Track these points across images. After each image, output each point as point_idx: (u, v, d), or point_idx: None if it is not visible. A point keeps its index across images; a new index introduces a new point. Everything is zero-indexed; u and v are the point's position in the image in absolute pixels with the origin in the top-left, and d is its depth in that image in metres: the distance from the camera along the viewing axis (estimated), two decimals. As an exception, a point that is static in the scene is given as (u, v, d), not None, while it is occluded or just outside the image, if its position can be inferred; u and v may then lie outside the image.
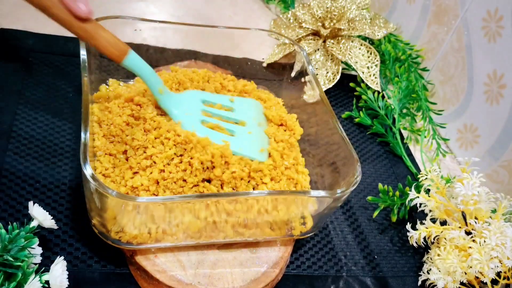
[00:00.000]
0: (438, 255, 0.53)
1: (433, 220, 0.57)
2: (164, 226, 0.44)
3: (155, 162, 0.46)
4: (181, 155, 0.47)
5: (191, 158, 0.47)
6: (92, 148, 0.47)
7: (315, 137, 0.56)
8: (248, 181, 0.49)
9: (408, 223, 0.57)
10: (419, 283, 0.57)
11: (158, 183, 0.46)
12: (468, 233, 0.54)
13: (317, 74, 0.78)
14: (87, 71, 0.47)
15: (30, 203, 0.43)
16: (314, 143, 0.56)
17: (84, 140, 0.41)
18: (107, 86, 0.55)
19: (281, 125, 0.57)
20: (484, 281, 0.51)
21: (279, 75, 0.64)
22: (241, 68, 0.64)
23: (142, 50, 0.59)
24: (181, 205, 0.42)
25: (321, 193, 0.46)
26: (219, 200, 0.43)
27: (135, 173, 0.46)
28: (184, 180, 0.46)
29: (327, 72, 0.78)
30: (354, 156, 0.48)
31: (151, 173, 0.46)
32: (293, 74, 0.62)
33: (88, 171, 0.39)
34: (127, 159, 0.47)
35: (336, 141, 0.51)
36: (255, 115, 0.57)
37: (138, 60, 0.47)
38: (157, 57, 0.61)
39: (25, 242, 0.40)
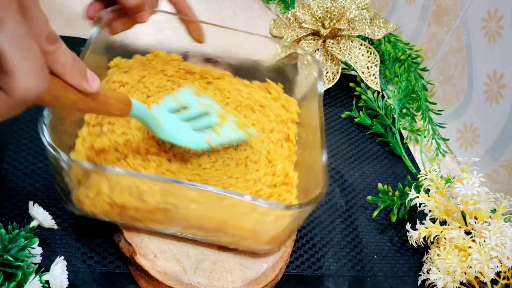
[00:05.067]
0: (438, 255, 0.53)
1: (433, 220, 0.57)
2: (116, 200, 0.43)
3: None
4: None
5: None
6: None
7: (306, 148, 0.55)
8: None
9: (408, 223, 0.57)
10: (419, 283, 0.57)
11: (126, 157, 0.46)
12: (467, 233, 0.54)
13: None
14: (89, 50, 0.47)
15: (30, 203, 0.43)
16: (305, 154, 0.55)
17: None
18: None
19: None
20: (484, 281, 0.51)
21: (281, 76, 0.63)
22: (243, 68, 0.64)
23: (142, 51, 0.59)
24: (131, 180, 0.41)
25: (272, 204, 0.42)
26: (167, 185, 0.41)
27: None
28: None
29: (327, 72, 0.78)
30: (322, 181, 0.44)
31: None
32: (303, 87, 0.60)
33: (46, 138, 0.39)
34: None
35: (317, 161, 0.47)
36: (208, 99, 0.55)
37: (139, 104, 0.43)
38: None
39: (25, 242, 0.40)
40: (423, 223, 0.56)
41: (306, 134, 0.54)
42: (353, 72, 0.84)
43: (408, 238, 0.56)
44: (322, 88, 0.53)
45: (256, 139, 0.53)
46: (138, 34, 0.56)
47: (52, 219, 0.43)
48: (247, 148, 0.51)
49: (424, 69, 0.83)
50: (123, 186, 0.41)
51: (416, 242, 0.55)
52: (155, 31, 0.57)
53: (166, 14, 0.55)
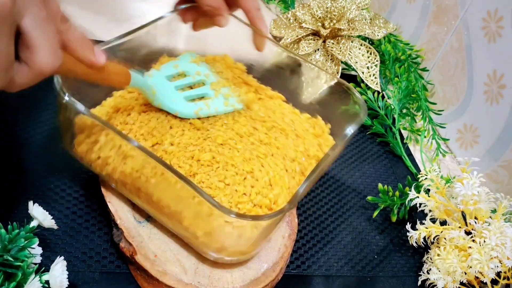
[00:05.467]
0: (438, 255, 0.53)
1: (433, 220, 0.57)
2: (101, 154, 0.46)
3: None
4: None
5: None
6: None
7: None
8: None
9: (408, 223, 0.57)
10: (419, 283, 0.57)
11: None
12: (468, 233, 0.54)
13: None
14: None
15: (30, 203, 0.43)
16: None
17: None
18: None
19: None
20: (484, 281, 0.51)
21: (282, 75, 0.63)
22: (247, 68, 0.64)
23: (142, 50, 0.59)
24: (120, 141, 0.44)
25: (214, 203, 0.40)
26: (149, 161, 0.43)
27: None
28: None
29: (327, 72, 0.78)
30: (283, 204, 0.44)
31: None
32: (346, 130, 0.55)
33: (58, 85, 0.42)
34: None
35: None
36: (204, 68, 0.58)
37: (137, 77, 0.48)
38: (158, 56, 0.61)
39: (25, 242, 0.40)
40: (423, 223, 0.56)
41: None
42: (353, 72, 0.84)
43: (408, 238, 0.56)
44: (352, 131, 0.51)
45: (271, 161, 0.51)
46: (208, 36, 0.58)
47: (52, 219, 0.43)
48: (256, 164, 0.50)
49: (424, 69, 0.83)
50: (114, 143, 0.44)
51: (416, 242, 0.55)
52: (227, 35, 0.58)
53: (237, 21, 0.56)
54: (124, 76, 0.45)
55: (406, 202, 0.61)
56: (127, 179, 0.46)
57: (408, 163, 0.72)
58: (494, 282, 0.51)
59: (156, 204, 0.45)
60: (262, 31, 0.55)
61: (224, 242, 0.44)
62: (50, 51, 0.32)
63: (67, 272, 0.42)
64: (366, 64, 0.80)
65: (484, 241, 0.50)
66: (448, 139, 0.77)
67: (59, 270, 0.41)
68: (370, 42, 0.84)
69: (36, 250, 0.42)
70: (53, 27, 0.32)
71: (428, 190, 0.59)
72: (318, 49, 0.79)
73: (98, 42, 0.51)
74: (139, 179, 0.44)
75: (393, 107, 0.76)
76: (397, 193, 0.62)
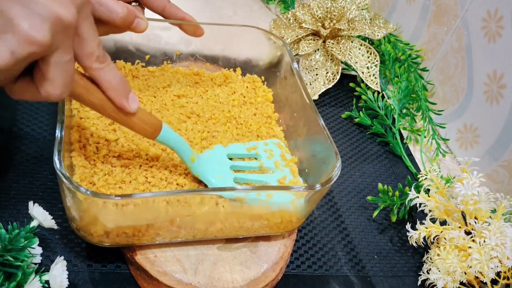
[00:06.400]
0: (438, 255, 0.53)
1: (433, 220, 0.57)
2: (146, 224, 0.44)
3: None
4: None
5: None
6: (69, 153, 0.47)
7: (301, 133, 0.56)
8: None
9: (408, 223, 0.57)
10: (419, 283, 0.57)
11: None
12: (468, 233, 0.54)
13: (317, 74, 0.78)
14: None
15: (30, 203, 0.43)
16: (300, 138, 0.57)
17: (58, 136, 0.41)
18: None
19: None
20: (484, 281, 0.51)
21: (274, 72, 0.63)
22: (240, 66, 0.64)
23: (134, 49, 0.59)
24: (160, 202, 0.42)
25: (300, 188, 0.47)
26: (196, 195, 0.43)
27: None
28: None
29: (327, 72, 0.78)
30: (333, 150, 0.48)
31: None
32: (281, 71, 0.61)
33: (57, 164, 0.38)
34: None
35: (318, 135, 0.51)
36: (277, 155, 0.56)
37: (170, 132, 0.45)
38: (153, 57, 0.61)
39: (25, 242, 0.40)
40: (423, 223, 0.56)
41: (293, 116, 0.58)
42: (353, 72, 0.84)
43: (408, 238, 0.56)
44: (297, 66, 0.58)
45: None
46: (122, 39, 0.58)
47: (52, 219, 0.43)
48: None
49: (424, 69, 0.83)
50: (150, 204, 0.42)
51: (416, 242, 0.55)
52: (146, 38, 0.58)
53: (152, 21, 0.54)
54: (153, 127, 0.43)
55: (406, 202, 0.61)
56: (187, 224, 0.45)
57: (408, 163, 0.72)
58: (494, 282, 0.51)
59: (234, 226, 0.47)
60: (187, 18, 0.56)
61: (292, 215, 0.49)
62: (59, 87, 0.34)
63: (67, 272, 0.42)
64: (366, 64, 0.80)
65: (484, 241, 0.50)
66: (448, 139, 0.77)
67: (59, 270, 0.41)
68: (370, 42, 0.84)
69: (36, 250, 0.43)
70: (72, 67, 0.34)
71: (428, 190, 0.59)
72: (318, 49, 0.79)
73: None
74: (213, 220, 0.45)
75: (393, 107, 0.76)
76: (397, 193, 0.62)
